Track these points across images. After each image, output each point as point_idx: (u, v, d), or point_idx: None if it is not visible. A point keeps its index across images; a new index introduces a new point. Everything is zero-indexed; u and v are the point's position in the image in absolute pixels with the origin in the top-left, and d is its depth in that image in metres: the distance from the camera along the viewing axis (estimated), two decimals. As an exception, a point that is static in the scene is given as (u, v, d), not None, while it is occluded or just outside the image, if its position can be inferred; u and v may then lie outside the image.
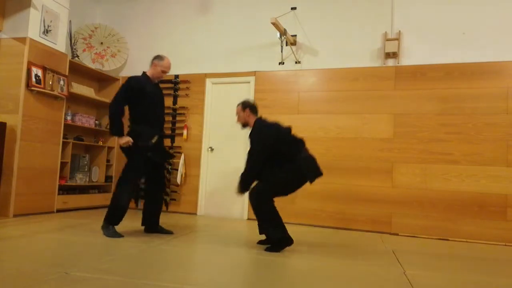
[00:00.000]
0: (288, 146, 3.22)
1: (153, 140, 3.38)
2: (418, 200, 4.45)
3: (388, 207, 4.55)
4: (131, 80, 3.40)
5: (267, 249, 3.10)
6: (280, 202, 4.94)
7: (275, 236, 3.11)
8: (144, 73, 3.53)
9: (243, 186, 3.24)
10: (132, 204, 5.66)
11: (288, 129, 3.35)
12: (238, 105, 3.45)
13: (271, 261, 2.73)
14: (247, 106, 3.41)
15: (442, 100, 4.50)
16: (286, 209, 4.94)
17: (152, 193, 3.59)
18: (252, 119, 3.40)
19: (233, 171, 5.30)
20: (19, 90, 4.26)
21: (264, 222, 3.16)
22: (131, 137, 3.34)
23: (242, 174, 3.25)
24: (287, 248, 3.22)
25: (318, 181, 4.79)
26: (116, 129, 3.32)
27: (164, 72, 3.51)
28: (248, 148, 3.28)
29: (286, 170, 3.18)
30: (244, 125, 3.45)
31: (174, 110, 5.58)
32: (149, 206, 3.60)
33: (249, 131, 3.36)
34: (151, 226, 3.59)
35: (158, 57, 3.51)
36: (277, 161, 3.19)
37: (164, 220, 4.51)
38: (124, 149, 3.36)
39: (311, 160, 3.24)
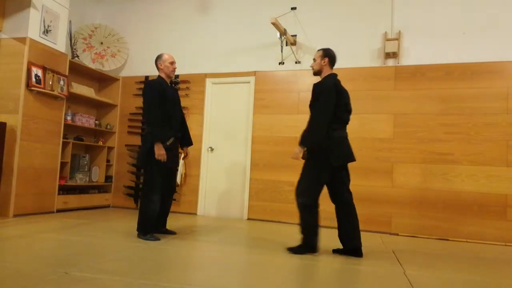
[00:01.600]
0: (339, 114, 3.05)
1: (168, 142, 3.36)
2: (418, 200, 4.45)
3: (388, 207, 4.55)
4: (154, 83, 3.39)
5: (290, 249, 3.07)
6: (280, 202, 4.96)
7: (310, 242, 3.05)
8: (159, 76, 3.53)
9: (310, 138, 2.98)
10: (132, 203, 5.67)
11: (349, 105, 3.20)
12: (319, 50, 3.18)
13: (270, 262, 2.73)
14: (328, 56, 3.14)
15: (442, 100, 4.50)
16: (286, 209, 4.95)
17: (162, 195, 3.55)
18: (327, 71, 3.17)
19: (233, 171, 5.30)
20: (19, 90, 4.26)
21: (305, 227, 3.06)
22: (148, 139, 3.32)
23: (310, 127, 2.99)
24: (287, 248, 3.23)
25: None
26: (158, 134, 3.27)
27: (172, 63, 3.52)
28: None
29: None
30: (316, 73, 3.21)
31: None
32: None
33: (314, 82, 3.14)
34: (158, 226, 3.57)
35: (158, 58, 3.54)
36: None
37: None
38: (143, 159, 3.34)
39: (346, 143, 3.08)
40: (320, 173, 3.03)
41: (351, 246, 3.07)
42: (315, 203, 3.07)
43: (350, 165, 4.77)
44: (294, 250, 3.07)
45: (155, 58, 3.60)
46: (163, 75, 3.52)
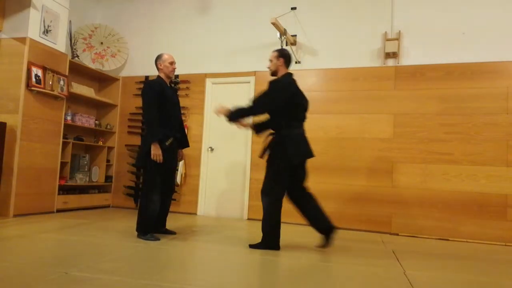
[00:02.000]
0: (295, 112, 3.15)
1: (167, 143, 3.36)
2: (418, 200, 4.45)
3: (388, 207, 4.55)
4: (154, 83, 3.39)
5: (252, 246, 3.16)
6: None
7: (274, 240, 3.14)
8: (158, 76, 3.53)
9: (235, 114, 3.14)
10: (132, 203, 5.67)
11: (306, 100, 3.28)
12: (275, 51, 3.28)
13: (270, 261, 2.73)
14: (283, 56, 3.25)
15: (442, 100, 4.50)
16: (285, 209, 4.94)
17: (162, 195, 3.54)
18: (283, 71, 3.26)
19: (233, 171, 5.30)
20: (19, 90, 4.26)
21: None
22: (147, 139, 3.31)
23: (242, 108, 3.16)
24: (287, 248, 3.22)
25: (318, 180, 4.83)
26: (156, 134, 3.28)
27: (171, 63, 3.51)
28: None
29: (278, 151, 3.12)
30: (273, 73, 3.30)
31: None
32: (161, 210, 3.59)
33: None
34: (157, 226, 3.57)
35: (158, 58, 3.53)
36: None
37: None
38: (142, 159, 3.34)
39: (303, 140, 3.18)
40: (282, 172, 3.10)
41: (325, 226, 3.17)
42: (280, 201, 3.13)
43: (350, 165, 4.80)
44: (256, 246, 3.14)
45: (155, 58, 3.59)
46: (162, 75, 3.52)
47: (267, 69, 3.36)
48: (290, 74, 3.26)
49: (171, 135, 3.42)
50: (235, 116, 3.17)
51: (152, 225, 3.35)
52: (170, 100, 3.46)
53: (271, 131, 3.28)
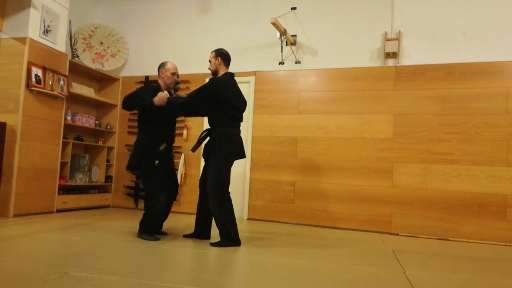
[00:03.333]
0: (230, 112, 3.24)
1: (161, 148, 3.34)
2: (418, 200, 4.45)
3: (388, 207, 4.55)
4: (151, 86, 3.42)
5: (214, 244, 3.16)
6: (280, 202, 4.96)
7: (233, 236, 3.19)
8: (157, 81, 3.53)
9: (171, 103, 3.25)
10: (132, 203, 5.67)
11: (243, 101, 3.41)
12: (213, 51, 3.38)
13: (270, 262, 2.73)
14: (221, 55, 3.33)
15: (442, 100, 4.50)
16: (285, 209, 4.95)
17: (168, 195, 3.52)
18: (222, 70, 3.35)
19: (233, 171, 5.28)
20: (19, 90, 4.26)
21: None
22: (139, 147, 3.31)
23: (177, 99, 3.30)
24: (287, 248, 3.22)
25: (318, 180, 4.83)
26: (144, 98, 3.27)
27: (174, 74, 3.48)
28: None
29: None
30: (213, 73, 3.39)
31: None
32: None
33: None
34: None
35: (162, 65, 3.49)
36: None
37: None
38: (134, 162, 3.33)
39: (238, 140, 3.29)
40: (225, 167, 3.21)
41: (201, 233, 3.40)
42: (228, 196, 3.21)
43: (350, 165, 4.80)
44: (218, 244, 3.14)
45: (158, 63, 3.56)
46: (161, 83, 3.49)
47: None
48: (229, 74, 3.34)
49: (165, 140, 3.39)
50: (171, 105, 3.25)
51: (156, 226, 3.37)
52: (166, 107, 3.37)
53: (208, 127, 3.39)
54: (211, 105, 3.25)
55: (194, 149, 3.38)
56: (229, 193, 3.23)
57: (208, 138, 3.36)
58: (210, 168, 3.24)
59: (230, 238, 3.16)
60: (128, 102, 3.35)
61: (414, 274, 2.53)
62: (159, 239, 3.28)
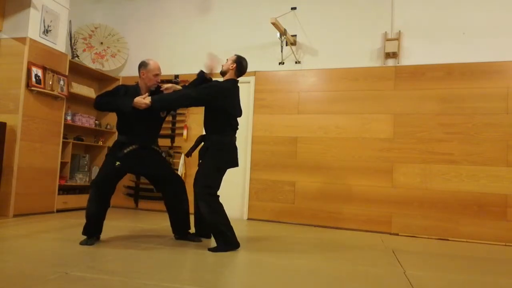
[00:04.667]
0: (227, 119, 3.19)
1: (125, 151, 3.07)
2: (418, 200, 4.45)
3: (388, 207, 4.55)
4: (120, 86, 3.25)
5: (212, 249, 3.00)
6: (280, 202, 4.96)
7: (231, 238, 3.08)
8: (137, 83, 3.26)
9: (167, 103, 3.15)
10: (132, 203, 5.67)
11: (240, 110, 3.36)
12: (235, 55, 3.30)
13: (270, 262, 2.73)
14: (238, 63, 3.25)
15: (442, 100, 4.49)
16: (285, 209, 4.95)
17: (171, 207, 3.40)
18: (230, 75, 3.26)
19: (233, 171, 5.28)
20: (19, 90, 4.26)
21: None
22: (112, 146, 3.19)
23: (178, 94, 3.17)
24: (287, 248, 3.22)
25: (318, 180, 4.83)
26: (120, 103, 3.06)
27: (156, 75, 3.19)
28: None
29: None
30: (222, 73, 3.31)
31: (174, 110, 5.57)
32: (173, 216, 3.42)
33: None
34: (181, 233, 3.41)
35: (143, 64, 3.21)
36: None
37: (164, 220, 4.50)
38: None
39: (232, 149, 3.24)
40: (214, 173, 3.14)
41: (203, 232, 3.42)
42: (216, 198, 3.13)
43: (350, 165, 4.80)
44: (216, 249, 2.98)
45: (140, 62, 3.29)
46: (141, 85, 3.21)
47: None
48: (234, 81, 3.27)
49: (132, 144, 3.12)
50: (162, 102, 3.10)
51: (92, 227, 3.08)
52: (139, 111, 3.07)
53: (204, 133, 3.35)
54: (207, 110, 3.22)
55: (188, 154, 3.35)
56: (217, 196, 3.14)
57: (202, 143, 3.31)
58: (200, 171, 3.20)
59: (227, 240, 3.02)
60: (103, 105, 3.14)
61: (414, 274, 2.53)
62: (92, 244, 2.96)
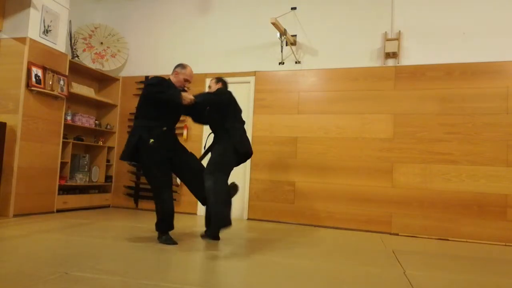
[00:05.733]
0: (236, 114, 3.57)
1: (151, 141, 3.12)
2: (418, 200, 4.45)
3: (388, 207, 4.55)
4: (164, 79, 3.34)
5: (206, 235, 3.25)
6: (280, 202, 4.96)
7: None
8: (169, 79, 3.41)
9: (204, 98, 3.47)
10: (132, 203, 5.67)
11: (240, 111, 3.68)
12: (213, 79, 3.70)
13: (270, 262, 2.73)
14: (222, 81, 3.68)
15: (442, 100, 4.50)
16: (285, 209, 4.95)
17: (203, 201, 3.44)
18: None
19: (233, 171, 5.28)
20: (19, 90, 4.26)
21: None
22: (136, 132, 3.17)
23: (205, 94, 3.57)
24: (287, 248, 3.22)
25: (318, 180, 4.83)
26: (172, 93, 3.19)
27: (186, 80, 3.41)
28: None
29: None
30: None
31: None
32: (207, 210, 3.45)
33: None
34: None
35: (180, 66, 3.44)
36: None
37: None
38: (129, 153, 3.17)
39: (245, 136, 3.56)
40: (228, 154, 3.41)
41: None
42: (225, 178, 3.39)
43: (350, 165, 4.80)
44: (212, 233, 3.29)
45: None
46: (173, 81, 3.40)
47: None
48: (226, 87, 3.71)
49: (158, 131, 3.19)
50: (202, 98, 3.45)
51: (170, 224, 3.19)
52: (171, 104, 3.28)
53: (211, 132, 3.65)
54: (218, 112, 3.53)
55: (201, 159, 3.58)
56: (227, 176, 3.39)
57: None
58: (213, 152, 3.46)
59: (221, 217, 3.17)
60: (157, 94, 3.17)
61: (414, 274, 2.53)
62: (176, 243, 3.10)
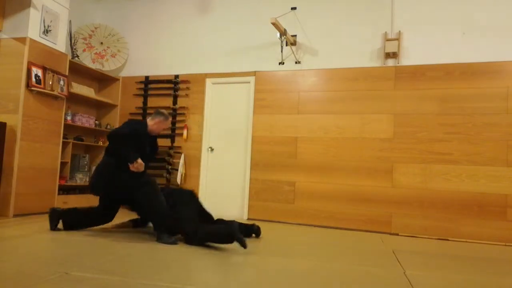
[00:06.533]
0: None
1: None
2: (418, 200, 4.45)
3: (388, 207, 4.55)
4: (135, 124, 3.42)
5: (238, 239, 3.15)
6: (280, 202, 4.97)
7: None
8: (145, 121, 3.51)
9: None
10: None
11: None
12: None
13: (270, 262, 2.73)
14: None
15: (442, 100, 4.50)
16: (285, 209, 4.95)
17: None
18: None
19: (233, 171, 5.30)
20: (19, 90, 4.26)
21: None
22: (112, 167, 3.31)
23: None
24: (287, 248, 3.22)
25: (318, 180, 4.84)
26: (132, 155, 3.22)
27: (164, 130, 3.67)
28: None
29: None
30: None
31: (174, 110, 5.58)
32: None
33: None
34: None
35: (164, 116, 3.51)
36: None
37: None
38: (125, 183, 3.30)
39: None
40: None
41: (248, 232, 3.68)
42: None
43: (350, 165, 4.80)
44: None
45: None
46: (150, 127, 3.48)
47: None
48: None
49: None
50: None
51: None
52: (141, 147, 3.38)
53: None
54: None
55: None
56: None
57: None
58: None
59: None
60: (117, 142, 3.27)
61: (414, 274, 2.53)
62: (176, 243, 3.14)
